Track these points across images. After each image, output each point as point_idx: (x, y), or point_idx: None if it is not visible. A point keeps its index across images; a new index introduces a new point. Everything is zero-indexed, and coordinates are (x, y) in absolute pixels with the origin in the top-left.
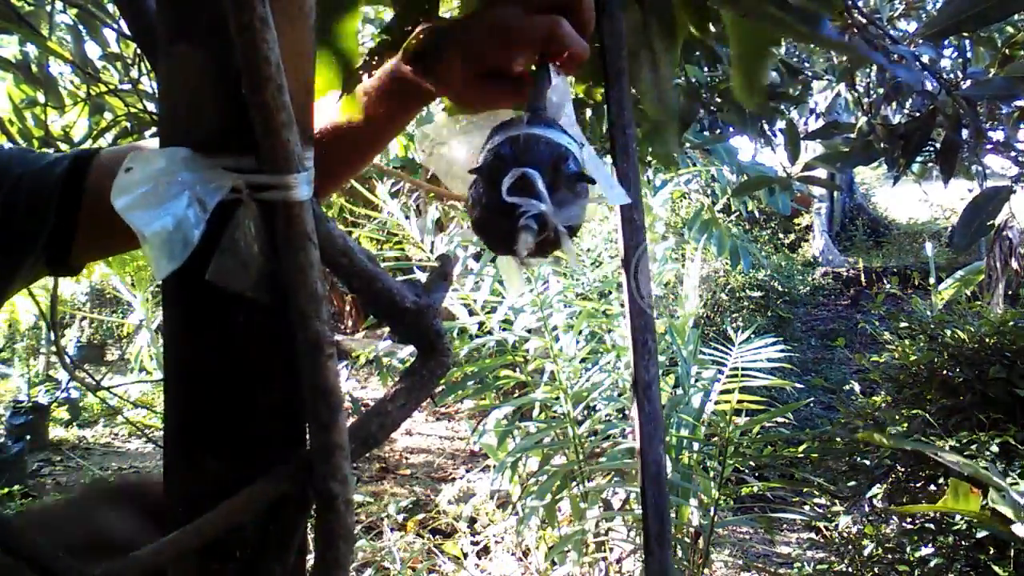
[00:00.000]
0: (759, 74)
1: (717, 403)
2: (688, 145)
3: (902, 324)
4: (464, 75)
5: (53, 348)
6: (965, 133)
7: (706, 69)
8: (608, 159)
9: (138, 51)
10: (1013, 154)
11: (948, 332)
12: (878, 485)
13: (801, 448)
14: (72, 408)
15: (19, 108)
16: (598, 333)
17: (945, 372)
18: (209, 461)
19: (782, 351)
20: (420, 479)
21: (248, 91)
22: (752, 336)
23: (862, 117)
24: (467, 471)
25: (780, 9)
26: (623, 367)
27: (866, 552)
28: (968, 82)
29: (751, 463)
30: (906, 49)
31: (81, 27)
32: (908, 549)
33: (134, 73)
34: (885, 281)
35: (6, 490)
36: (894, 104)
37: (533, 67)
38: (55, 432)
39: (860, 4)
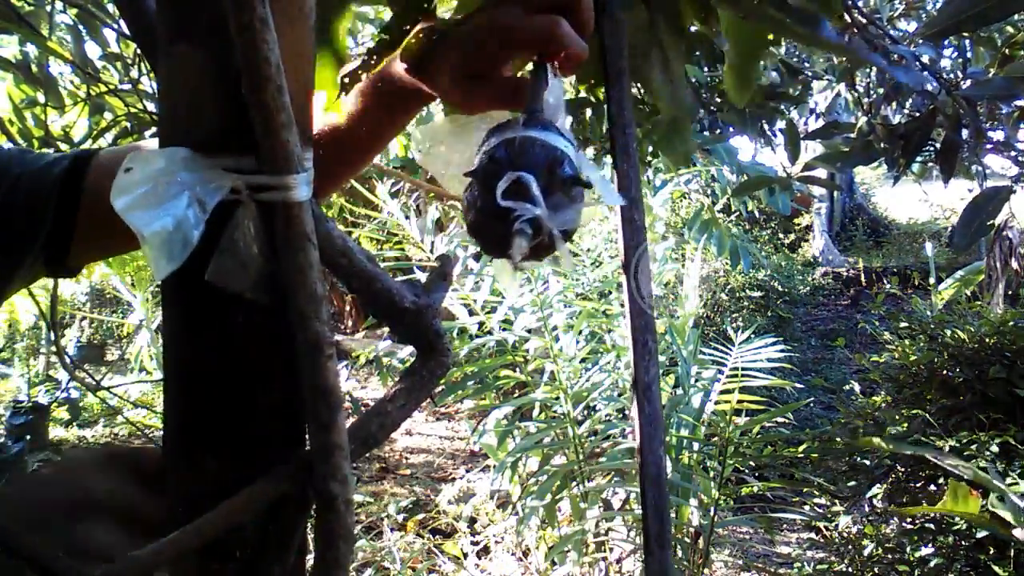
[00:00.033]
0: (750, 73)
1: (717, 403)
2: None
3: (902, 324)
4: (452, 76)
5: (53, 348)
6: (965, 133)
7: (706, 69)
8: (608, 159)
9: (138, 51)
10: (1013, 154)
11: (948, 332)
12: (878, 485)
13: (801, 448)
14: (72, 408)
15: (19, 108)
16: (598, 333)
17: (945, 372)
18: (209, 461)
19: (782, 351)
20: (420, 479)
21: (248, 91)
22: (752, 336)
23: (862, 117)
24: (467, 471)
25: (780, 11)
26: (623, 367)
27: (866, 552)
28: (968, 82)
29: (751, 463)
30: (906, 49)
31: (81, 27)
32: (908, 549)
33: (134, 73)
34: (885, 281)
35: None
36: (894, 104)
37: (530, 67)
38: (55, 432)
39: (860, 4)
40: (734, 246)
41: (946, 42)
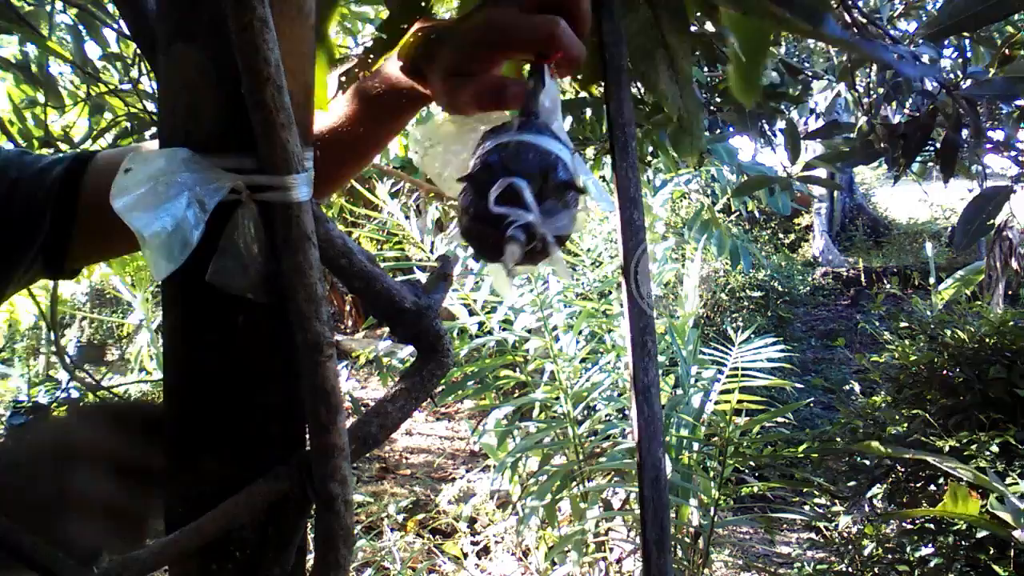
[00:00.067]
0: (757, 73)
1: (717, 403)
2: None
3: (902, 324)
4: (443, 76)
5: (53, 348)
6: (965, 133)
7: (706, 69)
8: (607, 159)
9: (138, 51)
10: (1013, 154)
11: (948, 332)
12: (878, 485)
13: (801, 448)
14: None
15: (19, 108)
16: (598, 333)
17: (945, 372)
18: (209, 461)
19: (782, 351)
20: (420, 479)
21: (248, 91)
22: (752, 336)
23: (862, 117)
24: (467, 471)
25: (781, 5)
26: (623, 367)
27: (866, 552)
28: (968, 82)
29: (751, 463)
30: (906, 49)
31: (81, 27)
32: (908, 549)
33: (134, 73)
34: (885, 281)
35: None
36: (894, 104)
37: (527, 67)
38: None
39: (860, 4)
40: (734, 246)
41: (946, 42)
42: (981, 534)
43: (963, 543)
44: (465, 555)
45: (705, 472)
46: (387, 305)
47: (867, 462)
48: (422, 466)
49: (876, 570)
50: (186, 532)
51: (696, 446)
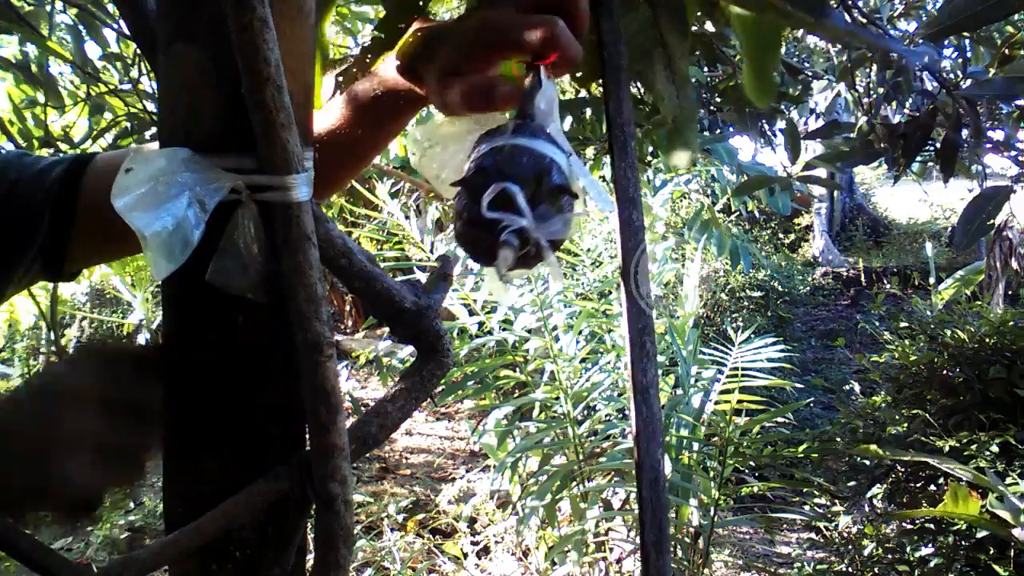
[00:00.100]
0: (770, 72)
1: (717, 403)
2: None
3: (902, 324)
4: (437, 77)
5: (53, 348)
6: (965, 133)
7: (706, 69)
8: (607, 159)
9: (138, 51)
10: (1013, 154)
11: (948, 332)
12: (878, 485)
13: (801, 448)
14: None
15: (19, 108)
16: (598, 333)
17: (945, 372)
18: (209, 461)
19: (782, 351)
20: (420, 479)
21: (248, 91)
22: (752, 336)
23: (862, 117)
24: (467, 471)
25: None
26: (623, 367)
27: (866, 552)
28: (968, 82)
29: (751, 463)
30: (905, 49)
31: (81, 27)
32: (908, 549)
33: (134, 73)
34: (885, 281)
35: None
36: (894, 104)
37: (524, 68)
38: None
39: (860, 4)
40: (734, 246)
41: (946, 42)
42: (981, 534)
43: (963, 543)
44: (465, 555)
45: (705, 472)
46: (387, 305)
47: (867, 462)
48: (422, 466)
49: (876, 570)
50: (186, 532)
51: (696, 446)
